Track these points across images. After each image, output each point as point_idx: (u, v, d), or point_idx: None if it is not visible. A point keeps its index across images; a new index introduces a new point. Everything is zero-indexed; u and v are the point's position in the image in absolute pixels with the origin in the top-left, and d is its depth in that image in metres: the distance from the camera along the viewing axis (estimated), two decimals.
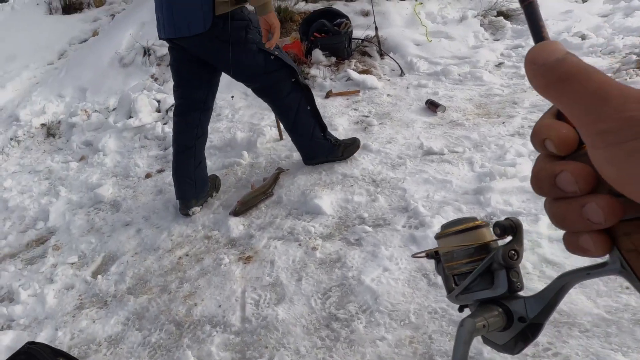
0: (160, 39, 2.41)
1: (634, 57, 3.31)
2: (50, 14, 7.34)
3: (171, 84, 4.27)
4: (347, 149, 2.74)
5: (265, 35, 2.23)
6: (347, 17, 4.23)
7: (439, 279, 1.84)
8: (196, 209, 2.64)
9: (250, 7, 2.28)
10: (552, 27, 4.33)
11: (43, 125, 4.27)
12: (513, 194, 2.23)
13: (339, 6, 4.89)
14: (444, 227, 0.53)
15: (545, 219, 2.01)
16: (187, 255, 2.35)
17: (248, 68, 2.38)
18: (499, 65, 3.89)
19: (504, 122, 2.91)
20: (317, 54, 4.05)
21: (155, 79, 4.57)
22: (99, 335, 2.01)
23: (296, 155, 2.95)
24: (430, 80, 3.72)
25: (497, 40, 4.51)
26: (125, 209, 2.90)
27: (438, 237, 0.54)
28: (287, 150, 3.06)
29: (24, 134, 4.20)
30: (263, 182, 2.69)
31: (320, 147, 2.68)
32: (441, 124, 3.06)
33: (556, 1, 5.00)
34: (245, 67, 2.36)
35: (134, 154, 3.56)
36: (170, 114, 3.85)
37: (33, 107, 4.47)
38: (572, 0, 5.13)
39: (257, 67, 2.38)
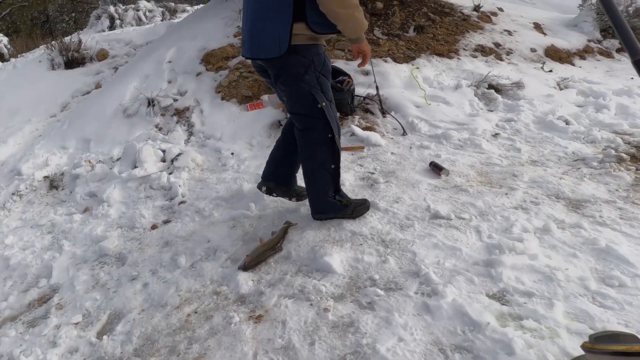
0: (242, 56, 2.64)
1: (613, 151, 3.46)
2: (52, 69, 7.35)
3: (175, 133, 4.34)
4: (356, 209, 2.76)
5: (357, 57, 2.56)
6: (349, 75, 4.35)
7: (457, 357, 1.81)
8: (269, 187, 2.92)
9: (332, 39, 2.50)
10: (539, 107, 4.51)
11: (46, 177, 4.14)
12: (524, 271, 2.22)
13: (340, 64, 5.04)
14: (597, 339, 0.51)
15: (560, 305, 1.98)
16: (195, 312, 2.25)
17: (296, 103, 2.55)
18: (496, 135, 4.02)
19: (506, 194, 2.96)
20: None
21: (160, 129, 4.56)
22: None
23: (304, 210, 2.94)
24: (432, 143, 3.81)
25: (491, 111, 4.68)
26: (131, 262, 2.81)
27: (589, 350, 0.52)
28: (294, 203, 3.04)
29: (27, 188, 4.06)
30: (272, 236, 2.64)
31: (331, 206, 2.73)
32: (446, 188, 3.10)
33: (538, 84, 5.26)
34: (294, 101, 2.55)
35: (139, 205, 3.48)
36: (176, 163, 3.88)
37: (35, 160, 4.37)
38: (551, 87, 5.39)
39: (303, 107, 2.53)
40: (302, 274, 2.35)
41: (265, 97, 4.63)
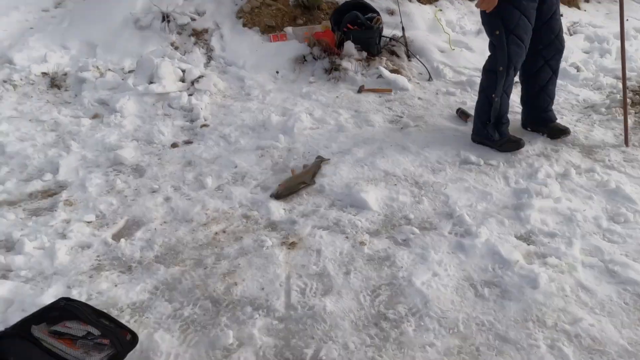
0: None
1: (618, 96, 3.48)
2: None
3: (194, 55, 4.19)
4: (506, 144, 2.82)
5: None
6: (378, 13, 4.19)
7: (486, 291, 1.88)
8: None
9: None
10: None
11: (45, 74, 3.95)
12: (549, 214, 2.30)
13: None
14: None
15: (578, 243, 2.10)
16: (224, 231, 2.26)
17: (487, 24, 2.69)
18: (516, 83, 3.95)
19: (529, 142, 2.96)
20: (350, 46, 3.99)
21: (176, 48, 4.37)
22: (122, 301, 1.90)
23: (335, 146, 2.91)
24: (457, 89, 3.75)
25: None
26: (151, 175, 2.74)
27: None
28: (325, 139, 3.01)
29: (21, 79, 3.87)
30: (303, 169, 2.63)
31: (481, 131, 2.88)
32: None
33: None
34: (486, 21, 2.69)
35: (156, 121, 3.37)
36: (197, 85, 3.72)
37: (31, 53, 4.12)
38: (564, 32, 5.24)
39: (489, 29, 2.70)
40: (336, 208, 2.36)
41: (289, 30, 4.45)
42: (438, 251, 2.08)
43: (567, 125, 3.04)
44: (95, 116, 3.46)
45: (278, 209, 2.36)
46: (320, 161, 2.68)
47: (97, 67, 4.02)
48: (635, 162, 2.71)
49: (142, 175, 2.76)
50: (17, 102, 3.63)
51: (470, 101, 3.59)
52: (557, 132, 2.94)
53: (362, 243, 2.13)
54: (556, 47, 2.79)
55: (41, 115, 3.46)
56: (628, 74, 3.93)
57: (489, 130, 2.84)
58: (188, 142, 3.12)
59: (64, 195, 2.56)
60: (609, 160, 2.73)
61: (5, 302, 1.88)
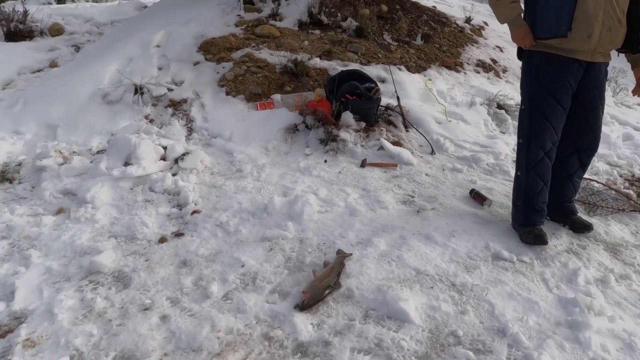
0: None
1: (622, 187, 3.51)
2: None
3: (173, 128, 3.83)
4: (527, 234, 2.66)
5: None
6: (375, 83, 4.04)
7: None
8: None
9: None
10: None
11: None
12: (607, 337, 2.04)
13: (355, 67, 4.73)
14: None
15: None
16: None
17: (521, 94, 2.75)
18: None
19: (553, 233, 2.78)
20: (348, 116, 3.77)
21: (151, 121, 3.96)
22: None
23: (352, 235, 2.60)
24: (463, 166, 3.58)
25: (503, 133, 4.55)
26: (139, 284, 2.24)
27: None
28: (339, 226, 2.69)
29: None
30: (324, 267, 2.29)
31: (513, 214, 2.80)
32: (494, 221, 2.88)
33: None
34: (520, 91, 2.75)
35: (137, 210, 2.87)
36: (180, 164, 3.31)
37: None
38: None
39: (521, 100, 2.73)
40: (373, 322, 2.01)
41: (277, 97, 4.19)
42: None
43: (581, 215, 2.93)
44: (59, 211, 2.85)
45: (305, 325, 1.98)
46: (342, 257, 2.35)
47: (60, 152, 3.45)
48: None
49: (128, 285, 2.25)
50: None
51: (479, 180, 3.43)
52: (580, 227, 2.81)
53: None
54: (590, 142, 2.71)
55: None
56: (617, 160, 4.05)
57: (517, 211, 2.73)
58: (179, 235, 2.66)
59: (23, 332, 1.93)
60: (638, 264, 2.61)
61: None
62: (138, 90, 4.15)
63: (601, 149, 3.99)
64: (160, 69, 4.62)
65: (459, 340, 1.96)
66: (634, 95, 2.69)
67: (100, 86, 4.22)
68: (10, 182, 3.17)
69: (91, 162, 3.35)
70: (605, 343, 2.00)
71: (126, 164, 3.21)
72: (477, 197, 3.11)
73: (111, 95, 4.18)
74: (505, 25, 2.59)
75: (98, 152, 3.54)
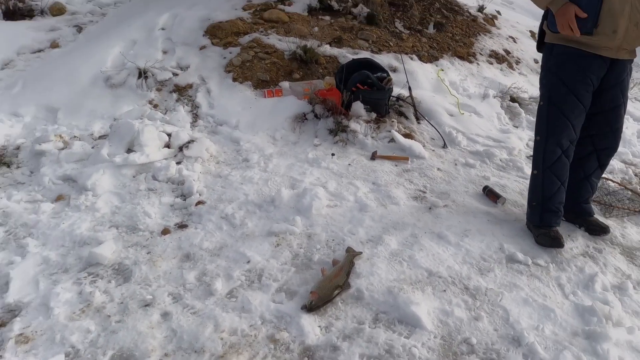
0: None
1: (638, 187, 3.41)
2: None
3: (177, 114, 3.73)
4: (542, 236, 2.57)
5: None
6: (387, 72, 3.91)
7: None
8: None
9: None
10: None
11: None
12: (625, 349, 1.95)
13: (365, 55, 4.59)
14: None
15: None
16: None
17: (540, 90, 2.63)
18: (530, 157, 3.76)
19: (569, 235, 2.69)
20: (358, 107, 3.66)
21: (155, 106, 3.85)
22: None
23: (362, 232, 2.51)
24: (476, 161, 3.48)
25: (516, 127, 4.43)
26: (140, 278, 2.16)
27: None
28: (348, 222, 2.60)
29: None
30: (333, 265, 2.20)
31: (528, 214, 2.70)
32: (507, 220, 2.79)
33: None
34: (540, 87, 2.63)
35: (139, 199, 2.77)
36: (185, 152, 3.21)
37: None
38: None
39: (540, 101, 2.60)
40: (383, 326, 1.93)
41: (285, 84, 4.06)
42: None
43: (597, 216, 2.83)
44: (59, 198, 2.76)
45: (312, 327, 1.90)
46: (352, 255, 2.26)
47: (60, 136, 3.33)
48: None
49: (128, 279, 2.16)
50: None
51: (492, 176, 3.32)
52: (597, 230, 2.71)
53: None
54: (610, 142, 2.60)
55: None
56: (632, 159, 3.93)
57: (533, 212, 2.63)
58: (182, 226, 2.57)
59: (16, 326, 1.85)
60: None
61: None
62: (142, 74, 4.03)
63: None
64: (165, 52, 4.50)
65: (472, 348, 1.87)
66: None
67: (102, 69, 4.11)
68: (8, 166, 3.07)
69: (92, 147, 3.24)
70: (623, 356, 1.91)
71: (129, 150, 3.11)
72: (490, 195, 3.01)
73: (114, 79, 4.07)
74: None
75: (100, 138, 3.44)
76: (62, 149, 3.19)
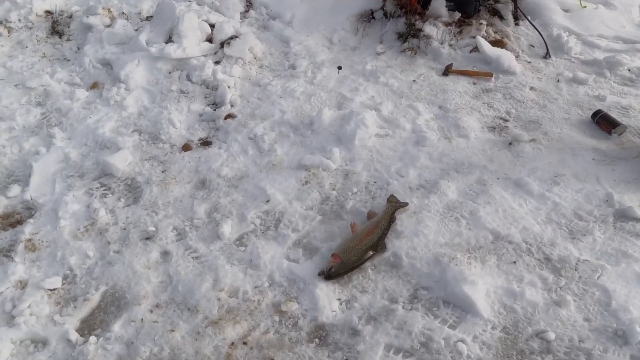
0: None
1: None
2: None
3: (228, 1, 3.22)
4: None
5: None
6: None
7: None
8: None
9: None
10: None
11: (48, 14, 3.17)
12: None
13: None
14: None
15: None
16: (244, 343, 1.44)
17: None
18: None
19: None
20: (439, 4, 2.91)
21: None
22: None
23: (413, 174, 1.97)
24: (590, 75, 2.64)
25: None
26: (149, 201, 1.97)
27: None
28: (398, 159, 2.06)
29: (20, 21, 3.09)
30: (369, 219, 1.74)
31: None
32: (625, 159, 2.07)
33: None
34: None
35: (168, 102, 2.56)
36: (227, 50, 2.80)
37: None
38: None
39: None
40: (423, 307, 1.47)
41: None
42: None
43: None
44: (94, 86, 2.73)
45: (330, 300, 1.50)
46: (394, 207, 1.77)
47: (109, 10, 3.23)
48: None
49: (137, 200, 2.00)
50: (7, 55, 2.91)
51: (610, 94, 2.49)
52: None
53: None
54: None
55: (31, 78, 2.71)
56: None
57: None
58: (205, 143, 2.29)
59: (28, 229, 1.86)
60: None
61: None
62: None
63: None
64: None
65: (548, 346, 1.37)
66: None
67: None
68: (60, 36, 3.09)
69: (135, 29, 3.13)
70: None
71: (169, 39, 2.90)
72: (603, 123, 2.25)
73: None
74: None
75: (146, 19, 3.25)
76: (108, 25, 3.14)
